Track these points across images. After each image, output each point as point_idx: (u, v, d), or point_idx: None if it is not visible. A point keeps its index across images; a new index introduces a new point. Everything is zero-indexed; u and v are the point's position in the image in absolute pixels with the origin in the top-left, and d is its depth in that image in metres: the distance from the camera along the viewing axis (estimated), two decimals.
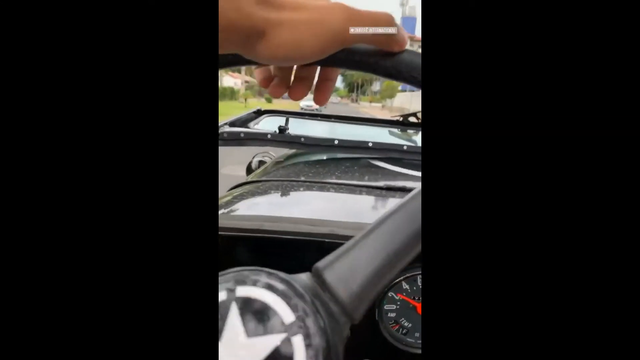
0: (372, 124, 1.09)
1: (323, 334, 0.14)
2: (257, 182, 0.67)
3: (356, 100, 57.35)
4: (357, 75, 45.64)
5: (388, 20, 0.19)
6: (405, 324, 0.46)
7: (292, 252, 0.43)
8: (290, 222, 0.44)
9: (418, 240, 0.17)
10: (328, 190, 0.61)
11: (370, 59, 0.21)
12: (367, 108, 34.48)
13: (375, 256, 0.17)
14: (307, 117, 1.06)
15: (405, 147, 0.80)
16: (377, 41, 0.20)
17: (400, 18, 48.21)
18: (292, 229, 0.43)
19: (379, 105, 38.32)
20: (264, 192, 0.61)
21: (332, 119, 1.09)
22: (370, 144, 0.81)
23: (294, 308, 0.14)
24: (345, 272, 0.16)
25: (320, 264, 0.17)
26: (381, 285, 0.17)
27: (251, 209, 0.53)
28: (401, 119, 1.03)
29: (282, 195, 0.60)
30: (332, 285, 0.16)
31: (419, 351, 0.45)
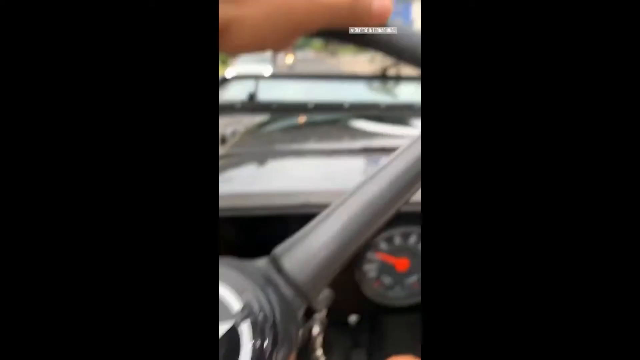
0: (349, 80, 1.03)
1: (271, 320, 0.15)
2: (230, 156, 0.67)
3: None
4: None
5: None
6: (386, 281, 0.47)
7: (270, 226, 0.44)
8: (264, 196, 0.43)
9: (377, 219, 0.18)
10: (304, 158, 0.62)
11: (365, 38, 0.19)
12: (349, 64, 28.81)
13: (333, 238, 0.17)
14: (279, 77, 0.98)
15: (382, 105, 0.79)
16: (352, 19, 0.19)
17: (393, 1, 40.60)
18: (267, 203, 0.42)
19: (366, 59, 32.90)
20: (237, 166, 0.62)
21: (307, 79, 1.03)
22: (346, 105, 0.79)
23: (241, 295, 0.15)
24: (302, 256, 0.17)
25: (278, 249, 0.17)
26: (339, 264, 0.17)
27: (225, 186, 0.52)
28: (381, 75, 1.01)
29: (256, 168, 0.60)
30: (288, 269, 0.16)
31: (403, 303, 0.47)
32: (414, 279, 0.50)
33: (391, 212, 0.18)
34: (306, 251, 0.17)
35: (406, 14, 36.03)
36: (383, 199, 0.18)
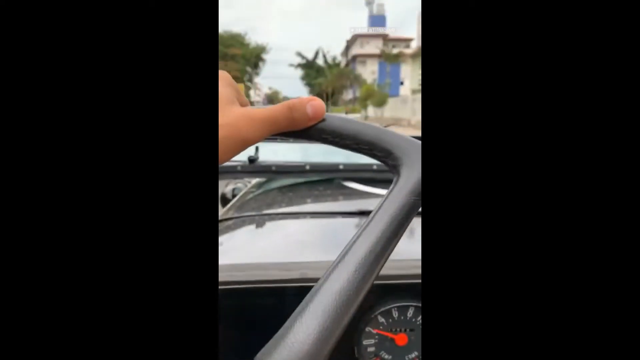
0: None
1: None
2: (228, 219, 0.71)
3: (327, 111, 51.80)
4: (326, 83, 39.57)
5: (285, 109, 0.22)
6: (386, 357, 0.47)
7: (266, 299, 0.44)
8: (261, 268, 0.44)
9: (350, 308, 0.18)
10: (302, 220, 0.64)
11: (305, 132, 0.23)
12: None
13: (310, 335, 0.17)
14: (277, 139, 1.05)
15: (375, 167, 0.83)
16: (292, 126, 0.22)
17: (368, 17, 42.84)
18: (264, 277, 0.43)
19: (357, 115, 32.68)
20: (234, 232, 0.63)
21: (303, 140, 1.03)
22: (341, 167, 0.85)
23: None
24: (283, 358, 0.17)
25: (259, 354, 0.17)
26: (323, 357, 0.17)
27: (222, 256, 0.53)
28: None
29: (253, 235, 0.62)
30: None
31: None
32: (414, 355, 0.48)
33: (364, 295, 0.19)
34: (286, 354, 0.17)
35: (396, 74, 37.00)
36: (354, 291, 0.18)
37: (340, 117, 0.23)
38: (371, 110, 21.36)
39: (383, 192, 0.72)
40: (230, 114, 0.21)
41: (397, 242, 0.20)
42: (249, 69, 47.89)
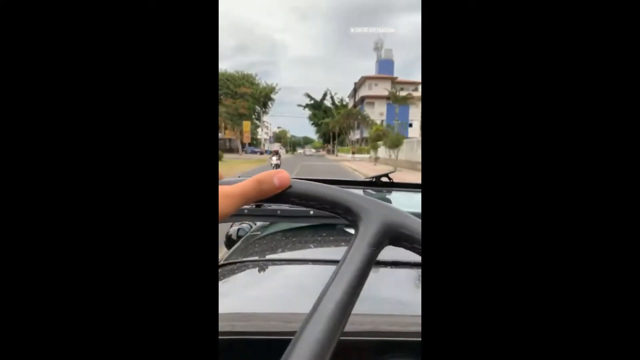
0: (347, 186, 1.15)
1: None
2: (231, 264, 0.72)
3: (332, 152, 51.59)
4: (333, 123, 39.35)
5: (255, 183, 0.24)
6: None
7: (266, 352, 0.43)
8: (262, 319, 0.44)
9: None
10: (304, 266, 0.65)
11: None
12: (349, 161, 26.94)
13: None
14: None
15: None
16: (262, 196, 0.24)
17: (375, 62, 43.65)
18: (264, 328, 0.43)
19: (366, 156, 31.85)
20: (237, 277, 0.63)
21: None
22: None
23: None
24: None
25: None
26: None
27: (224, 302, 0.53)
28: (374, 179, 1.14)
29: (256, 281, 0.62)
30: None
31: None
32: None
33: (334, 347, 0.19)
34: None
35: (405, 116, 36.80)
36: (327, 342, 0.19)
37: (305, 182, 0.25)
38: (382, 152, 20.23)
39: None
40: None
41: (361, 290, 0.21)
42: (257, 107, 48.53)
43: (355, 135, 43.47)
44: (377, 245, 0.22)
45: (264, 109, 50.04)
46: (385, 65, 43.29)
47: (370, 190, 1.18)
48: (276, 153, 7.92)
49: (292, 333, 0.36)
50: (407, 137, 22.92)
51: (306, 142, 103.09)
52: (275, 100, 50.57)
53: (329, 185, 0.25)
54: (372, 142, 22.49)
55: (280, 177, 0.24)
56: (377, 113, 38.65)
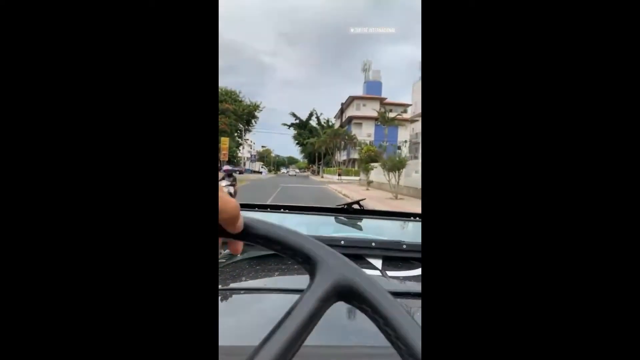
0: (320, 213, 1.18)
1: None
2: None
3: (318, 173, 49.63)
4: (319, 143, 37.51)
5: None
6: None
7: None
8: (228, 354, 0.42)
9: None
10: (269, 295, 0.65)
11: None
12: (336, 183, 24.70)
13: None
14: (256, 209, 1.15)
15: (342, 242, 0.86)
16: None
17: (363, 84, 42.59)
18: None
19: (354, 179, 29.78)
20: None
21: (282, 210, 1.17)
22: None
23: None
24: None
25: None
26: None
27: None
28: (346, 206, 1.16)
29: (226, 310, 0.61)
30: None
31: None
32: None
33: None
34: None
35: (394, 137, 35.46)
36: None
37: (267, 224, 0.25)
38: (374, 174, 17.90)
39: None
40: None
41: (303, 341, 0.21)
42: (240, 125, 46.38)
43: (341, 156, 41.74)
44: (327, 301, 0.22)
45: (247, 127, 47.99)
46: (373, 87, 42.29)
47: (342, 218, 1.17)
48: (229, 176, 5.24)
49: None
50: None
51: (290, 162, 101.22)
52: (259, 119, 48.81)
53: (290, 230, 0.25)
54: (363, 164, 20.37)
55: (231, 223, 0.23)
56: (364, 134, 37.17)
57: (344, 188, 17.11)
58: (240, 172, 38.88)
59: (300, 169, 66.47)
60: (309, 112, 51.05)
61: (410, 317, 0.21)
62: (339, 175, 30.98)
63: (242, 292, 0.65)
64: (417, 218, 1.19)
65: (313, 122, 50.40)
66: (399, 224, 1.26)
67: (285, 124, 53.55)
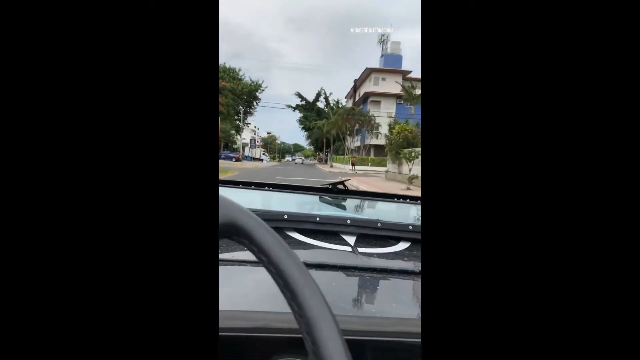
0: (304, 192, 1.21)
1: None
2: None
3: (325, 161, 43.91)
4: (329, 125, 31.44)
5: None
6: None
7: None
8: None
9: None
10: (240, 268, 0.67)
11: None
12: (353, 176, 18.78)
13: None
14: (240, 186, 1.17)
15: (318, 219, 0.90)
16: None
17: (380, 57, 36.15)
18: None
19: (377, 170, 24.05)
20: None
21: (266, 188, 1.19)
22: (285, 216, 0.89)
23: None
24: None
25: None
26: None
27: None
28: (330, 186, 1.17)
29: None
30: None
31: None
32: None
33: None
34: None
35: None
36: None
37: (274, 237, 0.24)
38: (418, 168, 11.66)
39: (324, 244, 0.79)
40: None
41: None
42: (240, 107, 40.75)
43: (354, 141, 35.58)
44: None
45: (248, 109, 42.41)
46: (392, 60, 35.80)
47: (326, 197, 1.19)
48: None
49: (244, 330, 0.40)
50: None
51: (296, 149, 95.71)
52: (260, 100, 43.13)
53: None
54: (394, 149, 14.29)
55: None
56: (383, 114, 30.86)
57: (365, 184, 11.31)
58: (237, 159, 33.42)
59: (306, 156, 60.95)
60: (316, 93, 45.02)
61: (291, 254, 0.22)
62: (353, 165, 25.13)
63: (224, 263, 0.64)
64: (401, 200, 1.21)
65: (321, 104, 44.41)
66: (382, 204, 1.27)
67: (289, 106, 47.65)
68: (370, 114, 28.43)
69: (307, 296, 0.21)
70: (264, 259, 0.22)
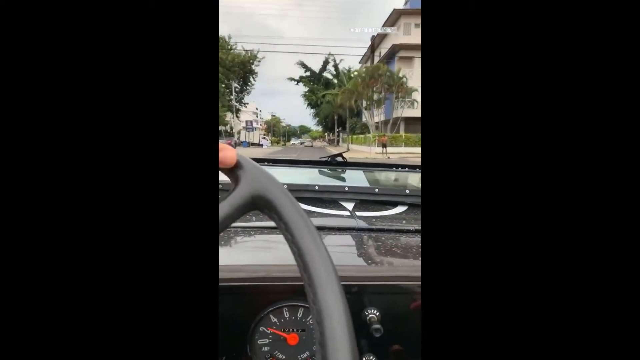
0: (303, 166, 1.24)
1: None
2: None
3: (337, 143, 36.72)
4: (345, 95, 23.67)
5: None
6: (280, 357, 0.50)
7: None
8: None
9: None
10: (255, 234, 0.72)
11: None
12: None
13: None
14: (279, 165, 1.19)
15: (316, 187, 0.93)
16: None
17: (405, 2, 27.72)
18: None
19: (411, 152, 16.86)
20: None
21: (265, 163, 1.20)
22: (284, 187, 1.05)
23: None
24: None
25: None
26: None
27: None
28: (329, 159, 1.20)
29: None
30: None
31: None
32: (306, 355, 0.51)
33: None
34: None
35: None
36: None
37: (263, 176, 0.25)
38: None
39: (323, 210, 0.84)
40: None
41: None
42: (235, 84, 33.47)
43: (379, 115, 27.22)
44: (242, 208, 0.24)
45: (245, 87, 35.15)
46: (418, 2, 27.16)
47: (325, 170, 1.22)
48: None
49: (289, 279, 0.47)
50: None
51: (303, 131, 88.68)
52: (257, 75, 35.70)
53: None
54: None
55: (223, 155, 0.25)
56: (417, 74, 22.82)
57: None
58: (233, 146, 26.39)
59: (313, 138, 53.85)
60: (324, 60, 37.18)
61: (314, 230, 0.24)
62: (384, 146, 17.80)
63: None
64: (400, 168, 1.24)
65: (329, 75, 36.67)
66: (381, 174, 1.30)
67: (291, 78, 39.98)
68: (401, 74, 20.55)
69: (324, 287, 0.21)
70: (282, 225, 0.24)
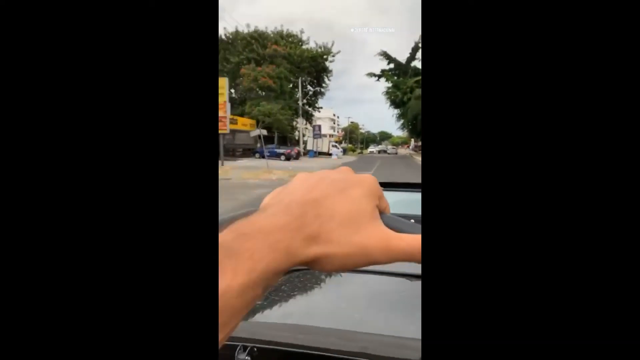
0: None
1: None
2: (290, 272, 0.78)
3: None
4: None
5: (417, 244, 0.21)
6: None
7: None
8: (322, 334, 0.49)
9: None
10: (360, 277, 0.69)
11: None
12: None
13: None
14: None
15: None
16: (416, 259, 0.21)
17: None
18: (323, 344, 0.48)
19: None
20: (295, 289, 0.67)
21: None
22: None
23: None
24: None
25: None
26: None
27: (285, 316, 0.60)
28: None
29: (312, 294, 0.66)
30: None
31: None
32: None
33: None
34: None
35: None
36: None
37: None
38: None
39: None
40: (366, 234, 0.21)
41: None
42: (309, 86, 28.10)
43: None
44: None
45: (319, 88, 29.65)
46: None
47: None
48: None
49: (351, 353, 0.46)
50: None
51: (382, 137, 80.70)
52: (332, 73, 29.92)
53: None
54: None
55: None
56: None
57: None
58: (287, 157, 20.78)
59: (394, 144, 45.76)
60: (412, 47, 29.33)
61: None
62: None
63: None
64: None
65: (419, 64, 28.54)
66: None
67: (371, 74, 32.89)
68: None
69: None
70: None
